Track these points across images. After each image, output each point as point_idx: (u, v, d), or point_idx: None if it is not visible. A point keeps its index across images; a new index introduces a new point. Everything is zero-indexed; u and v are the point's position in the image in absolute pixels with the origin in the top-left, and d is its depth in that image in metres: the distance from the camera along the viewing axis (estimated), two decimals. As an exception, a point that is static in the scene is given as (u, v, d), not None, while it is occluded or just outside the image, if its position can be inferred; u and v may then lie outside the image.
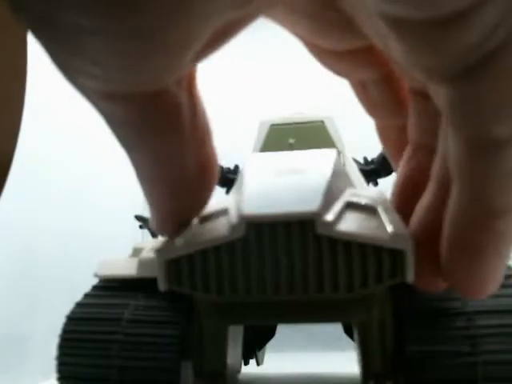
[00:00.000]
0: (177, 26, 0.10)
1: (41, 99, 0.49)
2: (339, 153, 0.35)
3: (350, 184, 0.25)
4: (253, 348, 0.41)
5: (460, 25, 0.10)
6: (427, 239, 0.16)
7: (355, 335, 0.21)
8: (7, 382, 0.41)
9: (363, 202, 0.20)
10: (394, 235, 0.17)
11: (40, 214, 0.49)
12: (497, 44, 0.11)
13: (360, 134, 0.39)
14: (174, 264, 0.19)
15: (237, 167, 0.41)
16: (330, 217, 0.17)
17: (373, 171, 0.38)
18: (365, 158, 0.40)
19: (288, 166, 0.21)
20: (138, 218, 0.39)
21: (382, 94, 0.18)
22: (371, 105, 0.19)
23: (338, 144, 0.36)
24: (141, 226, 0.39)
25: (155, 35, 0.10)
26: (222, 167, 0.41)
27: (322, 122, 0.37)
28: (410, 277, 0.17)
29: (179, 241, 0.19)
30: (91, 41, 0.10)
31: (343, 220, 0.18)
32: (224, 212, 0.20)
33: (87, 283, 0.27)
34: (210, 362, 0.22)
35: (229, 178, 0.40)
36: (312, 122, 0.37)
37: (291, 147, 0.32)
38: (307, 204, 0.17)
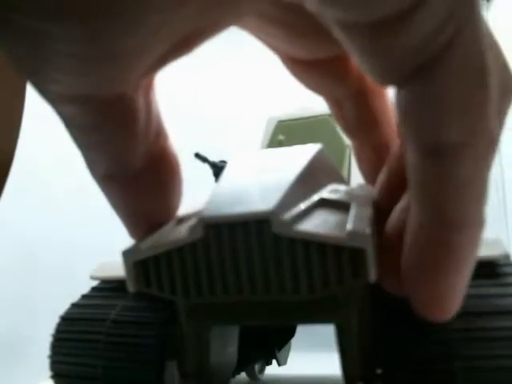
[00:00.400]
0: (130, 33, 0.10)
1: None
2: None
3: (337, 179, 0.24)
4: (272, 348, 0.41)
5: (400, 27, 0.10)
6: (397, 242, 0.15)
7: (335, 337, 0.20)
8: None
9: (337, 198, 0.19)
10: (352, 233, 0.16)
11: (40, 215, 0.50)
12: (443, 43, 0.10)
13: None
14: (141, 265, 0.19)
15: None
16: (288, 216, 0.17)
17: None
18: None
19: (264, 165, 0.21)
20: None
21: (356, 111, 0.18)
22: (347, 123, 0.19)
23: (344, 137, 0.35)
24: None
25: (108, 41, 0.10)
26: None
27: (329, 115, 0.36)
28: (372, 276, 0.16)
29: (146, 242, 0.19)
30: (52, 46, 0.10)
31: (308, 218, 0.18)
32: (197, 213, 0.20)
33: (86, 285, 0.28)
34: (192, 362, 0.22)
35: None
36: (319, 116, 0.36)
37: (281, 144, 0.32)
38: (265, 203, 0.17)
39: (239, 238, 0.17)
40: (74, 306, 0.26)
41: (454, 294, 0.13)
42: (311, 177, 0.20)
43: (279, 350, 0.41)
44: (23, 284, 0.46)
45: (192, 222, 0.18)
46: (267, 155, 0.23)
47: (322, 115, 0.36)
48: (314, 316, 0.20)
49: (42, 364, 0.27)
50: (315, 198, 0.19)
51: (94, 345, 0.23)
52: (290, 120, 0.36)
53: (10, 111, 0.30)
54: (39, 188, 0.50)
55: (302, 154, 0.21)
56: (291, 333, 0.41)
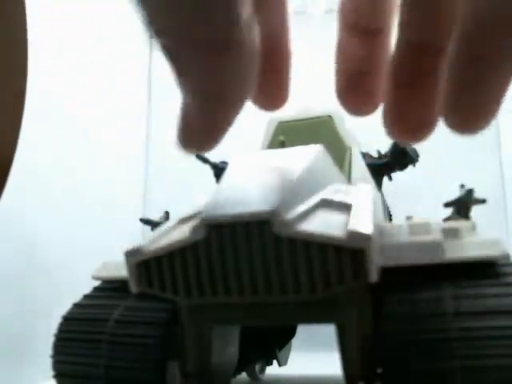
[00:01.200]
0: None
1: (43, 100, 0.50)
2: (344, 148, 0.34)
3: (338, 179, 0.24)
4: (273, 348, 0.41)
5: None
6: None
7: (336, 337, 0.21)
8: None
9: (338, 199, 0.19)
10: (352, 233, 0.16)
11: (41, 214, 0.50)
12: None
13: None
14: (143, 266, 0.19)
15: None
16: (289, 216, 0.17)
17: (386, 165, 0.37)
18: (378, 152, 0.38)
19: (265, 166, 0.21)
20: (144, 221, 0.39)
21: None
22: None
23: (345, 138, 0.35)
24: (152, 229, 0.39)
25: None
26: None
27: (330, 116, 0.36)
28: (373, 277, 0.16)
29: (148, 243, 0.19)
30: None
31: (309, 218, 0.18)
32: (199, 214, 0.20)
33: (86, 285, 0.28)
34: (193, 362, 0.22)
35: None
36: (319, 117, 0.36)
37: (282, 145, 0.31)
38: (266, 204, 0.17)
39: (240, 238, 0.17)
40: (76, 306, 0.26)
41: (494, 106, 0.14)
42: (312, 177, 0.20)
43: (280, 350, 0.41)
44: (23, 284, 0.46)
45: (194, 222, 0.18)
46: (268, 156, 0.23)
47: (322, 116, 0.36)
48: (315, 316, 0.20)
49: (43, 364, 0.27)
50: (316, 198, 0.19)
51: (97, 345, 0.23)
52: (291, 121, 0.36)
53: (10, 113, 0.30)
54: (39, 188, 0.50)
55: (302, 155, 0.21)
56: (292, 333, 0.41)
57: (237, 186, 0.19)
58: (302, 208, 0.18)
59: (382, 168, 0.37)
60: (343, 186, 0.22)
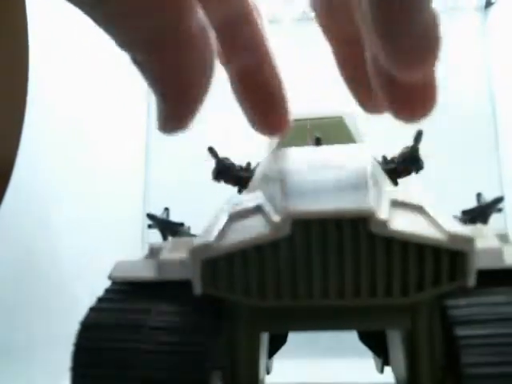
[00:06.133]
0: None
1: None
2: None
3: (386, 180, 0.23)
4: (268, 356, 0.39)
5: None
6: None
7: (402, 345, 0.19)
8: None
9: (408, 200, 0.19)
10: (455, 235, 0.15)
11: (39, 214, 0.48)
12: None
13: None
14: (210, 265, 0.17)
15: (249, 165, 0.39)
16: (383, 215, 0.16)
17: (392, 171, 0.36)
18: (384, 157, 0.38)
19: (321, 161, 0.20)
20: (150, 216, 0.37)
21: None
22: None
23: (357, 140, 0.34)
24: (149, 226, 0.37)
25: None
26: (233, 164, 0.39)
27: (341, 117, 0.35)
28: (471, 280, 0.15)
29: (215, 240, 0.17)
30: None
31: (395, 219, 0.17)
32: (257, 209, 0.18)
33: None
34: (244, 372, 0.20)
35: (241, 176, 0.38)
36: (331, 117, 0.35)
37: (318, 142, 0.30)
38: (358, 201, 0.16)
39: (330, 236, 0.16)
40: (94, 310, 0.23)
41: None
42: (377, 176, 0.19)
43: (270, 357, 0.40)
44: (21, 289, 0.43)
45: (271, 218, 0.16)
46: (316, 152, 0.22)
47: (334, 116, 0.35)
48: (389, 322, 0.19)
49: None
50: (387, 198, 0.18)
51: (132, 355, 0.20)
52: (301, 120, 0.35)
53: (11, 117, 0.29)
54: (39, 187, 0.48)
55: (359, 152, 0.20)
56: (283, 341, 0.39)
57: (310, 182, 0.17)
58: (384, 207, 0.17)
59: (389, 173, 0.36)
60: (396, 187, 0.21)
